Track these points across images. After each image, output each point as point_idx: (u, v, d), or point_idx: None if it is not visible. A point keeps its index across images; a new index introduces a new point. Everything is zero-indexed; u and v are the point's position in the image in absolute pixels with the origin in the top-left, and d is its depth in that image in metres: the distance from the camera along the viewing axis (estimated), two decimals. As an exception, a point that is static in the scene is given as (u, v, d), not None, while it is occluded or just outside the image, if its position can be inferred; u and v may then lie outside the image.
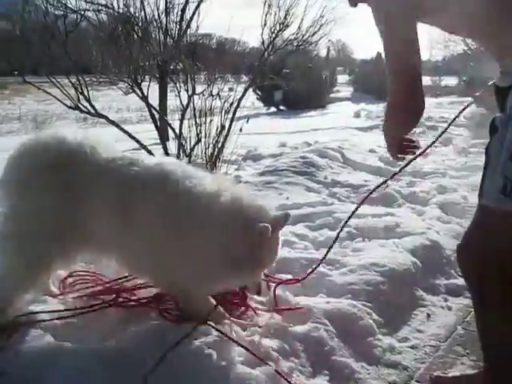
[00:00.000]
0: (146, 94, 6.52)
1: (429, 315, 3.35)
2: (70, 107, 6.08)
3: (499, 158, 1.78)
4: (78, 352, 2.41)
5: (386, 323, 3.11)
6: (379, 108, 15.47)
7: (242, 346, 2.56)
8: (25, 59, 6.80)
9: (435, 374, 2.63)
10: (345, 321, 2.92)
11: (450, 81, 27.96)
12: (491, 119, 1.89)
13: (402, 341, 3.03)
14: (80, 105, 6.07)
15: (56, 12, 6.60)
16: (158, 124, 7.09)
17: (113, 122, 6.36)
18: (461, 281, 3.82)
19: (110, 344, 2.51)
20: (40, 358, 2.35)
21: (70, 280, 3.19)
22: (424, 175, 6.54)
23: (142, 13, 7.78)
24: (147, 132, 8.51)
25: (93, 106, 6.15)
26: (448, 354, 2.93)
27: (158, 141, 7.19)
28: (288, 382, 2.40)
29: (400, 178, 6.51)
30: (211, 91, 6.30)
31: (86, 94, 6.06)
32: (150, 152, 6.23)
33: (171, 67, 8.29)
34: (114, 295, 2.99)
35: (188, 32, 7.91)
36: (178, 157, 6.45)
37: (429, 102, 18.25)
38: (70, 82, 6.12)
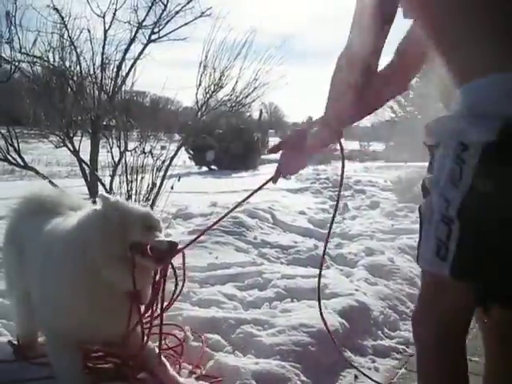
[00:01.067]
0: (77, 148, 6.45)
1: (356, 376, 3.35)
2: (-2, 158, 5.95)
3: (432, 220, 1.79)
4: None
5: (313, 384, 3.10)
6: (309, 170, 15.75)
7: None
8: None
9: None
10: (273, 382, 2.90)
11: (378, 146, 28.86)
12: (422, 181, 1.90)
13: (330, 402, 3.02)
14: (9, 156, 5.94)
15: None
16: (89, 179, 7.00)
17: (41, 175, 6.24)
18: (388, 342, 3.89)
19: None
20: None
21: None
22: (352, 237, 6.66)
23: (78, 67, 7.77)
24: (76, 187, 8.37)
25: (22, 158, 6.03)
26: (375, 415, 2.93)
27: (88, 196, 7.08)
28: None
29: (329, 239, 6.61)
30: (143, 148, 6.29)
31: (15, 145, 5.94)
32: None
33: (104, 123, 8.25)
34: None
35: (123, 88, 7.91)
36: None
37: (357, 166, 18.79)
38: (0, 132, 6.01)
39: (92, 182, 7.08)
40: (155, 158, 6.32)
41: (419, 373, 1.98)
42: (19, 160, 6.04)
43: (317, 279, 4.53)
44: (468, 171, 1.66)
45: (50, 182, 6.11)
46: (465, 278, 1.75)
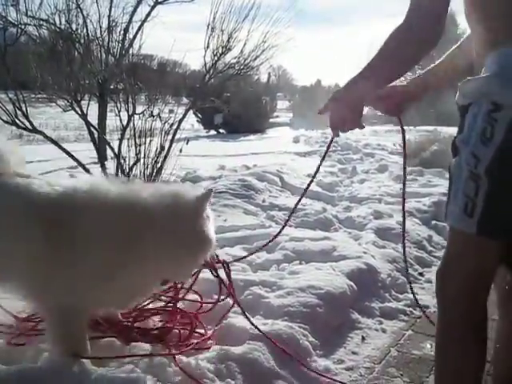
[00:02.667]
0: (85, 112, 6.43)
1: (364, 337, 3.39)
2: (6, 122, 5.94)
3: (461, 178, 1.82)
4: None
5: (322, 345, 3.13)
6: (318, 134, 15.72)
7: (180, 368, 2.54)
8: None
9: None
10: (281, 342, 2.93)
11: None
12: (452, 140, 1.92)
13: (337, 362, 3.06)
14: (17, 120, 5.93)
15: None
16: (97, 143, 7.01)
17: (50, 139, 6.24)
18: (395, 304, 3.91)
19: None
20: None
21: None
22: (360, 201, 6.66)
23: (85, 30, 7.73)
24: (85, 151, 8.40)
25: (30, 122, 6.02)
26: (382, 375, 2.97)
27: (97, 160, 7.10)
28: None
29: (337, 203, 6.62)
30: (151, 112, 6.27)
31: (23, 109, 5.93)
32: (87, 171, 6.14)
33: (112, 86, 8.22)
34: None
35: (130, 51, 7.88)
36: (116, 175, 6.38)
37: (366, 129, 18.70)
38: (8, 96, 5.99)
39: (100, 146, 7.09)
40: (163, 122, 6.30)
41: (439, 326, 2.01)
42: (27, 124, 6.03)
43: (325, 241, 4.58)
44: (499, 130, 1.72)
45: (58, 145, 6.13)
46: (491, 235, 1.80)
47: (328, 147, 2.67)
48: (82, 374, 2.37)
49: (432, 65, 2.34)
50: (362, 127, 2.17)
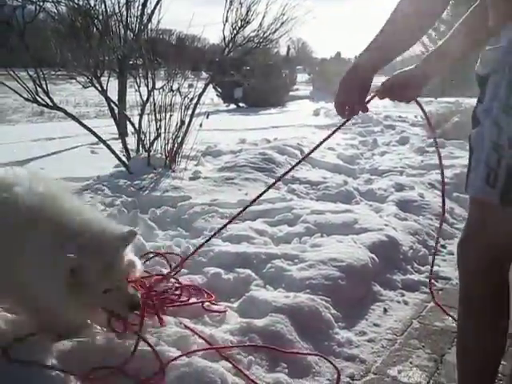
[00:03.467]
0: (105, 88, 6.45)
1: (386, 309, 3.40)
2: (27, 99, 5.99)
3: (482, 148, 1.79)
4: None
5: (343, 317, 3.15)
6: (338, 107, 15.61)
7: (203, 339, 2.58)
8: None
9: None
10: (303, 315, 2.95)
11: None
12: (472, 111, 1.89)
13: (359, 334, 3.07)
14: (38, 97, 5.97)
15: (14, 2, 6.51)
16: (117, 119, 7.04)
17: (71, 116, 6.28)
18: (417, 276, 3.91)
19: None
20: None
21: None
22: (381, 173, 6.63)
23: (103, 6, 7.72)
24: (106, 127, 8.44)
25: (51, 99, 6.06)
26: (404, 347, 2.97)
27: (117, 136, 7.14)
28: (246, 375, 2.42)
29: (358, 175, 6.59)
30: (171, 86, 6.28)
31: (44, 86, 5.97)
32: (109, 147, 6.18)
33: (131, 62, 8.23)
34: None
35: (148, 27, 7.86)
36: (137, 151, 6.42)
37: (386, 101, 18.52)
38: (29, 74, 6.02)
39: (121, 122, 7.12)
40: (183, 96, 6.31)
41: (462, 297, 2.01)
42: (48, 101, 6.06)
43: (347, 214, 4.57)
44: None
45: (79, 122, 6.16)
46: None
47: (335, 130, 2.61)
48: (108, 351, 2.44)
49: (437, 45, 2.29)
50: (366, 110, 2.17)
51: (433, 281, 3.84)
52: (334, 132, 2.59)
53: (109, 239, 2.37)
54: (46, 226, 2.35)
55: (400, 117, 12.66)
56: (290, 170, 2.96)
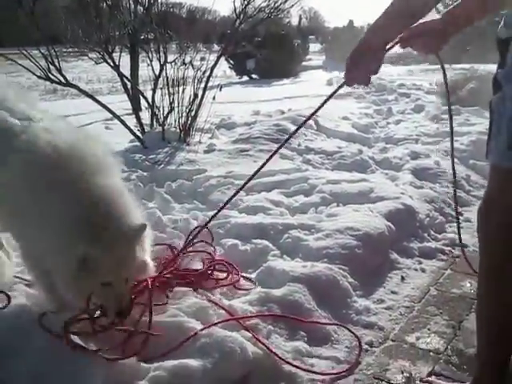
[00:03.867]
0: (117, 63, 6.44)
1: (403, 277, 3.41)
2: (40, 77, 5.98)
3: (504, 114, 1.76)
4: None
5: (361, 285, 3.17)
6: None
7: (223, 309, 2.61)
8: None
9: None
10: (321, 284, 2.97)
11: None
12: (493, 76, 1.86)
13: (377, 302, 3.09)
14: (51, 75, 5.98)
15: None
16: (130, 94, 7.04)
17: (84, 92, 6.28)
18: (434, 243, 3.91)
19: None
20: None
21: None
22: (397, 141, 6.59)
23: (112, -20, 7.66)
24: (120, 103, 8.43)
25: (64, 76, 6.06)
26: (422, 314, 2.99)
27: (131, 111, 7.14)
28: (265, 345, 2.44)
29: (373, 144, 6.56)
30: (183, 60, 6.26)
31: (56, 64, 5.96)
32: (123, 122, 6.19)
33: (142, 36, 8.20)
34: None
35: (159, 0, 7.81)
36: (151, 126, 6.43)
37: (401, 69, 18.35)
38: (41, 52, 6.02)
39: (134, 97, 7.12)
40: (195, 69, 6.29)
41: (482, 265, 2.01)
42: (61, 78, 6.06)
43: (362, 183, 4.56)
44: None
45: (93, 98, 6.16)
46: None
47: (336, 91, 2.57)
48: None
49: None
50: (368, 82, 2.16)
51: (449, 248, 3.85)
52: (327, 99, 2.55)
53: (125, 233, 2.31)
54: (70, 195, 2.33)
55: (415, 84, 12.53)
56: (286, 140, 3.01)
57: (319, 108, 2.67)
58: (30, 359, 2.20)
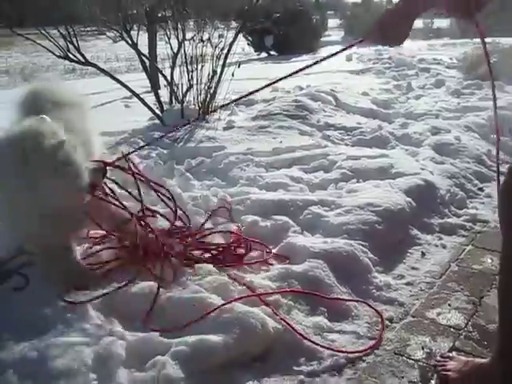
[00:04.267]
0: (135, 41, 6.43)
1: (423, 253, 3.40)
2: (59, 57, 6.00)
3: None
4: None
5: (381, 261, 3.17)
6: (371, 51, 15.33)
7: (244, 285, 2.63)
8: (10, 10, 6.67)
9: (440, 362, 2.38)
10: (341, 259, 2.98)
11: (442, 23, 27.64)
12: None
13: (397, 278, 3.09)
14: (70, 54, 5.99)
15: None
16: (149, 72, 7.03)
17: (103, 71, 6.29)
18: (454, 219, 3.89)
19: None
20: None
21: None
22: (417, 117, 6.53)
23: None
24: (138, 81, 8.44)
25: (83, 55, 6.07)
26: (442, 290, 2.98)
27: (150, 89, 7.14)
28: (285, 321, 2.46)
29: (393, 120, 6.51)
30: (201, 37, 6.23)
31: (75, 43, 5.98)
32: (142, 100, 6.19)
33: (160, 14, 8.17)
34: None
35: (176, -23, 7.77)
36: (170, 103, 6.43)
37: (421, 44, 18.13)
38: (59, 31, 6.03)
39: (152, 75, 7.12)
40: (214, 46, 6.26)
41: (504, 251, 1.99)
42: (80, 57, 6.08)
43: (382, 159, 4.54)
44: None
45: (112, 76, 6.18)
46: None
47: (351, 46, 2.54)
48: (151, 295, 2.51)
49: None
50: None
51: (470, 223, 3.83)
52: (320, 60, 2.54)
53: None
54: None
55: (435, 59, 12.36)
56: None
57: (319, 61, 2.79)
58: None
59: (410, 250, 3.43)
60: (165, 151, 5.05)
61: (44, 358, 2.10)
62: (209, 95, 6.13)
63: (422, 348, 2.45)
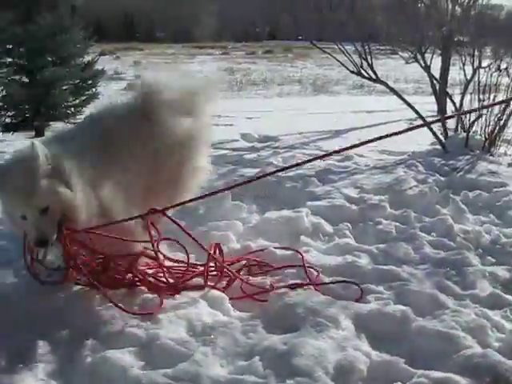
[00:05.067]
0: (428, 64, 6.41)
1: None
2: (352, 72, 6.23)
3: None
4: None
5: None
6: None
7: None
8: (310, 25, 7.06)
9: None
10: None
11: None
12: None
13: None
14: (362, 70, 6.19)
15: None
16: (438, 95, 6.96)
17: (393, 90, 6.37)
18: None
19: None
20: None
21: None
22: None
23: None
24: (425, 104, 8.38)
25: (375, 73, 6.22)
26: None
27: (436, 113, 7.06)
28: None
29: None
30: (498, 66, 6.00)
31: (368, 60, 6.14)
32: (425, 121, 6.14)
33: (456, 39, 8.04)
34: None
35: (478, 1, 7.59)
36: (455, 131, 6.28)
37: None
38: (355, 47, 6.25)
39: (441, 99, 7.03)
40: (511, 77, 5.98)
41: None
42: (372, 74, 6.22)
43: None
44: None
45: (400, 96, 6.23)
46: None
47: None
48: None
49: None
50: None
51: None
52: None
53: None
54: None
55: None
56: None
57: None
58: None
59: None
60: (442, 178, 4.95)
61: (291, 353, 2.24)
62: (498, 127, 5.87)
63: None
